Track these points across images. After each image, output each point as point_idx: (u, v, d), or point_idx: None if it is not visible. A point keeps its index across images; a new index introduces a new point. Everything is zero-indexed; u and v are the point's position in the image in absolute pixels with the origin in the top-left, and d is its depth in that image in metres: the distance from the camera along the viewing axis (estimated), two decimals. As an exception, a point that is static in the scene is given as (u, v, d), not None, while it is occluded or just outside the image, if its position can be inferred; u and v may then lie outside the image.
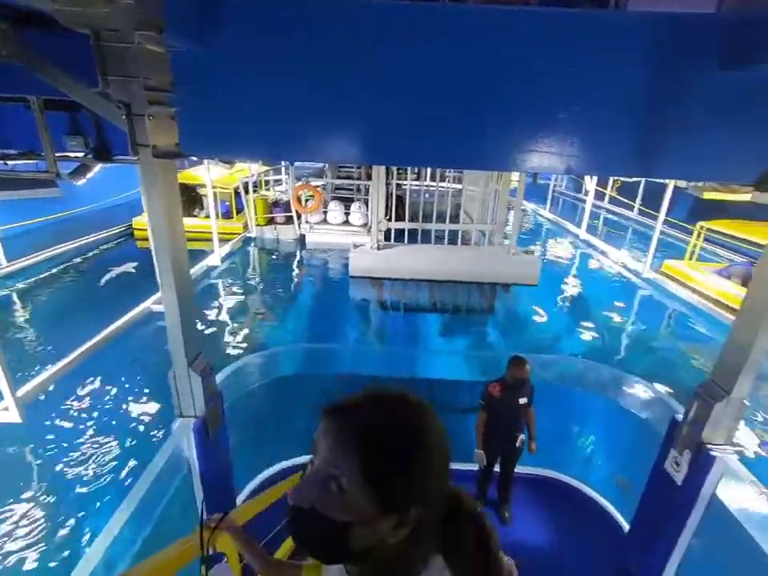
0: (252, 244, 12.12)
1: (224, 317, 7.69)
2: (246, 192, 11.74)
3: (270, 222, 12.68)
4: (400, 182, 10.00)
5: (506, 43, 2.81)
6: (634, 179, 18.32)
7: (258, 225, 12.28)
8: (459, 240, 10.12)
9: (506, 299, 8.53)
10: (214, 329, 7.22)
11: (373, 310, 8.68)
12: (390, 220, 8.76)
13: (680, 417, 2.67)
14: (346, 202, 12.05)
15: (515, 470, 3.48)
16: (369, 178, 12.30)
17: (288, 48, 1.70)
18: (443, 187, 10.20)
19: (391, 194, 9.89)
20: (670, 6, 3.46)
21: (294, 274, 10.51)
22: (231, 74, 1.71)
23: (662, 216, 10.01)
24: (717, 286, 8.51)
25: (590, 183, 15.12)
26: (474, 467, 3.72)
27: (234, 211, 12.47)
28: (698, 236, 9.63)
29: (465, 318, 8.39)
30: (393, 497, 0.57)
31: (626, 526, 3.32)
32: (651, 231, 15.25)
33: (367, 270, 8.36)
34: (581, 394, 4.11)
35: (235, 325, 7.40)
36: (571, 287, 10.32)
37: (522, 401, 3.19)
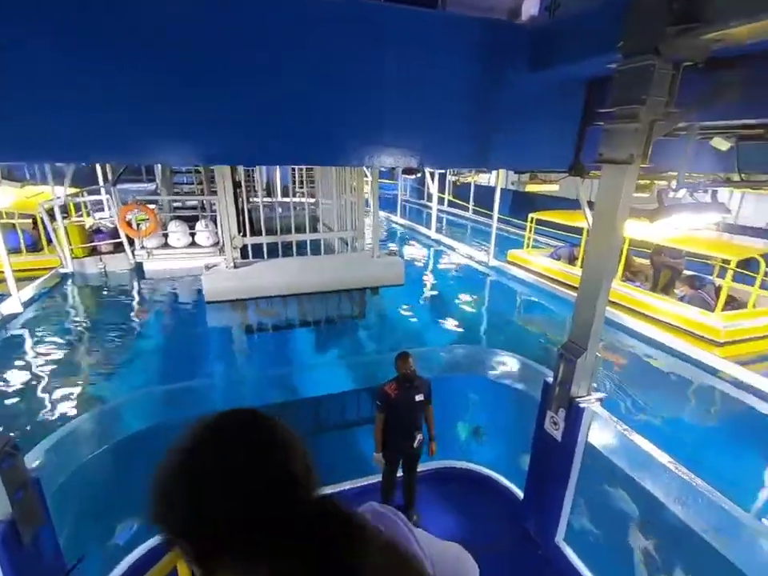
0: (70, 281, 9.88)
1: (37, 379, 5.95)
2: (53, 218, 9.53)
3: (93, 252, 10.56)
4: (249, 196, 9.41)
5: (340, 36, 2.77)
6: (465, 182, 21.31)
7: (75, 257, 10.08)
8: (322, 250, 10.04)
9: (376, 302, 8.74)
10: (18, 399, 5.52)
11: (238, 336, 7.90)
12: (244, 236, 8.12)
13: (550, 380, 2.97)
14: (190, 222, 10.81)
15: (418, 470, 3.45)
16: (212, 192, 11.36)
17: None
18: (297, 201, 9.96)
19: (242, 209, 9.20)
20: (485, 12, 3.85)
21: (131, 310, 8.83)
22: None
23: (495, 213, 11.75)
24: (550, 266, 10.51)
25: (433, 188, 16.87)
26: (377, 479, 3.59)
27: (44, 242, 10.00)
28: (531, 225, 11.53)
29: (338, 326, 8.28)
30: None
31: (518, 493, 3.58)
32: (485, 227, 18.15)
33: (225, 292, 7.57)
34: (466, 379, 4.33)
35: (55, 386, 5.80)
36: (433, 281, 11.23)
37: (419, 398, 3.18)
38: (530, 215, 11.34)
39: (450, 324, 8.39)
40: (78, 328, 7.72)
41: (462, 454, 4.27)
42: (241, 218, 8.56)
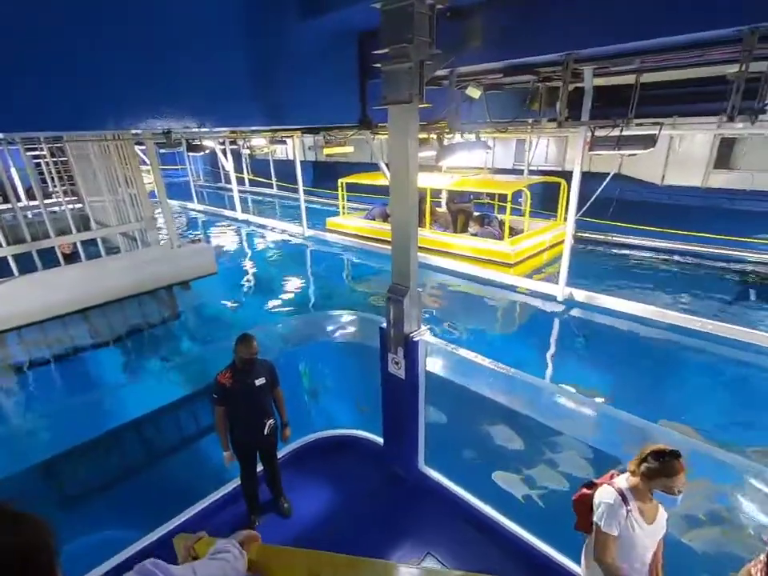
0: None
1: None
2: None
3: None
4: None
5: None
6: (262, 154, 20.64)
7: None
8: (103, 253, 8.28)
9: (190, 298, 7.79)
10: None
11: (4, 381, 5.97)
12: (-30, 250, 5.99)
13: (384, 325, 3.17)
14: None
15: (278, 455, 3.30)
16: None
17: None
18: (52, 203, 7.83)
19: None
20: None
21: None
22: None
23: (300, 185, 11.82)
24: (366, 226, 11.40)
25: (229, 165, 15.72)
26: (236, 484, 3.30)
27: None
28: (342, 192, 12.00)
29: (148, 335, 7.11)
30: None
31: (380, 441, 3.82)
32: (292, 202, 18.23)
33: (-43, 331, 5.53)
34: (307, 347, 4.28)
35: None
36: (251, 263, 10.68)
37: (260, 382, 2.96)
38: (340, 180, 11.78)
39: (279, 302, 8.18)
40: None
41: (318, 424, 4.30)
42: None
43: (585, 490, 2.03)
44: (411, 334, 3.00)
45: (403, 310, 2.93)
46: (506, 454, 3.59)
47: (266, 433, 3.02)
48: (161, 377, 5.73)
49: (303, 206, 11.91)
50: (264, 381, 2.99)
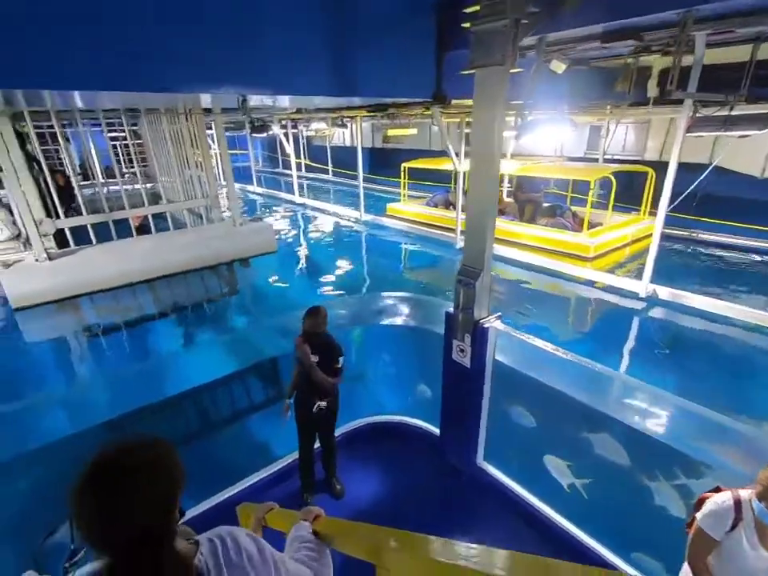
0: None
1: None
2: None
3: None
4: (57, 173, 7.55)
5: None
6: (322, 138, 20.97)
7: None
8: (171, 227, 8.77)
9: (249, 275, 8.04)
10: None
11: (75, 344, 6.46)
12: (57, 218, 6.51)
13: (451, 310, 3.02)
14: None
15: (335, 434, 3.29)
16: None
17: None
18: (126, 181, 8.37)
19: (47, 184, 7.35)
20: None
21: None
22: None
23: (360, 170, 11.88)
24: (428, 213, 11.35)
25: (290, 148, 16.07)
26: (290, 460, 3.33)
27: None
28: (405, 175, 11.96)
29: (208, 308, 7.41)
30: None
31: (436, 430, 3.70)
32: (346, 188, 18.42)
33: (41, 293, 6.03)
34: (360, 329, 4.24)
35: None
36: (308, 244, 10.88)
37: (315, 359, 2.87)
38: (403, 165, 11.70)
39: (332, 284, 8.23)
40: None
41: (368, 408, 4.27)
42: (49, 197, 6.83)
43: (707, 493, 1.83)
44: (481, 321, 2.84)
45: (474, 294, 2.77)
46: (577, 454, 3.36)
47: (314, 411, 2.98)
48: (216, 350, 5.93)
49: (362, 190, 11.94)
50: (317, 360, 2.86)
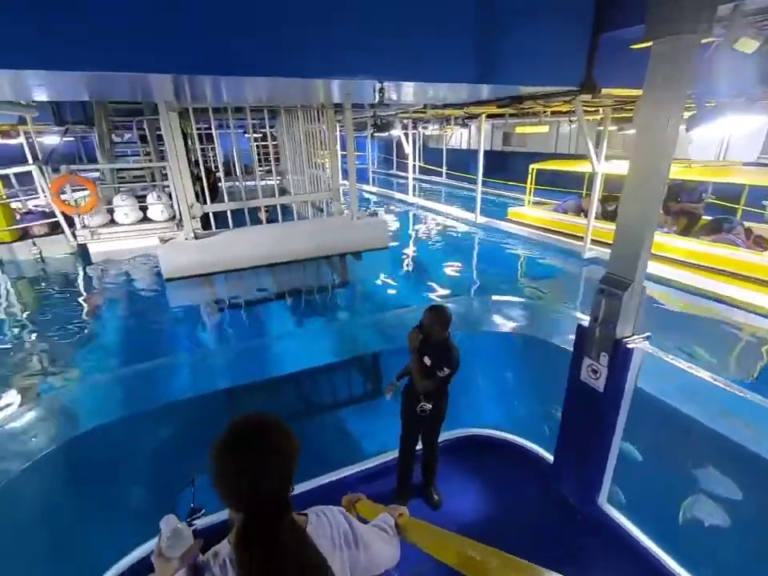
0: (-1, 271, 8.96)
1: None
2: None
3: (25, 235, 9.60)
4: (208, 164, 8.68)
5: None
6: (437, 136, 20.98)
7: (1, 242, 9.13)
8: (295, 218, 9.50)
9: (360, 268, 8.32)
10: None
11: (207, 315, 7.33)
12: (204, 203, 7.45)
13: (585, 323, 2.68)
14: (139, 195, 9.95)
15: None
16: (161, 157, 10.50)
17: None
18: (262, 177, 9.28)
19: (199, 176, 8.47)
20: None
21: (78, 301, 8.02)
22: None
23: (480, 171, 11.56)
24: (556, 219, 10.49)
25: (409, 148, 16.38)
26: (386, 459, 3.30)
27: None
28: (532, 177, 11.26)
29: (319, 297, 7.83)
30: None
31: (547, 456, 3.36)
32: (460, 191, 18.14)
33: (186, 267, 6.95)
34: (469, 334, 4.05)
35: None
36: (420, 244, 10.91)
37: (427, 360, 2.73)
38: (531, 166, 11.04)
39: (440, 286, 8.09)
40: (7, 325, 6.92)
41: (473, 419, 4.04)
42: (198, 184, 7.88)
43: None
44: (625, 339, 2.46)
45: (620, 307, 2.41)
46: (732, 511, 2.76)
47: (417, 410, 2.86)
48: (321, 337, 6.16)
49: (479, 192, 11.61)
50: (429, 362, 2.71)
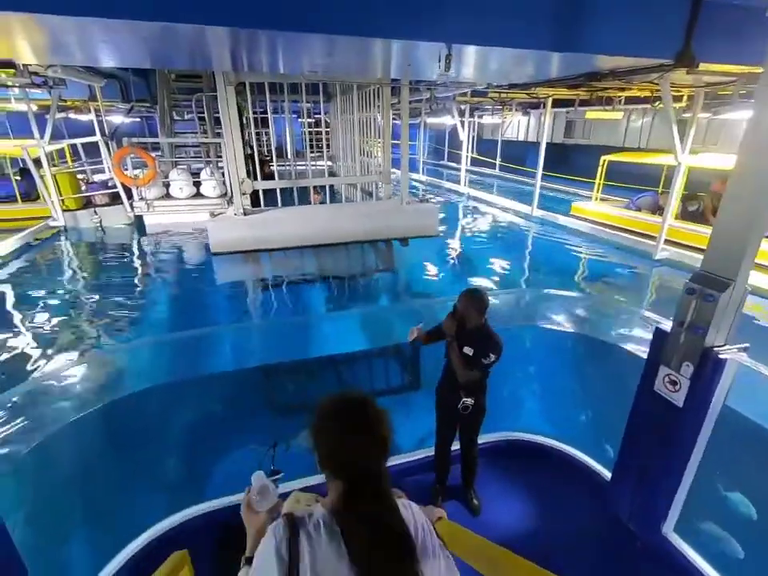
0: (63, 237, 9.53)
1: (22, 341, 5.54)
2: (39, 165, 9.08)
3: (88, 204, 10.17)
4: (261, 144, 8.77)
5: None
6: (491, 138, 20.30)
7: (67, 209, 9.69)
8: (343, 200, 9.42)
9: (407, 254, 8.13)
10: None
11: (251, 292, 7.43)
12: (256, 179, 7.50)
13: (665, 326, 2.36)
14: (194, 171, 10.28)
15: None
16: (217, 131, 10.74)
17: None
18: (314, 164, 9.26)
19: (251, 154, 8.58)
20: None
21: (132, 270, 8.38)
22: None
23: (541, 162, 11.02)
24: (628, 217, 9.71)
25: (464, 134, 15.92)
26: (424, 455, 3.12)
27: (39, 191, 9.64)
28: (603, 169, 10.49)
29: (363, 281, 7.72)
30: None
31: (603, 472, 3.06)
32: (514, 183, 17.48)
33: (233, 242, 7.05)
34: (533, 330, 3.77)
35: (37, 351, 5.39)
36: (466, 235, 10.56)
37: (468, 350, 2.55)
38: (603, 157, 10.32)
39: (488, 279, 7.76)
40: (66, 287, 7.32)
41: (519, 422, 3.79)
42: (250, 160, 7.97)
43: None
44: (716, 349, 2.13)
45: (714, 311, 2.08)
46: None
47: (459, 407, 2.65)
48: (359, 322, 6.03)
49: (538, 185, 11.07)
50: (472, 352, 2.54)
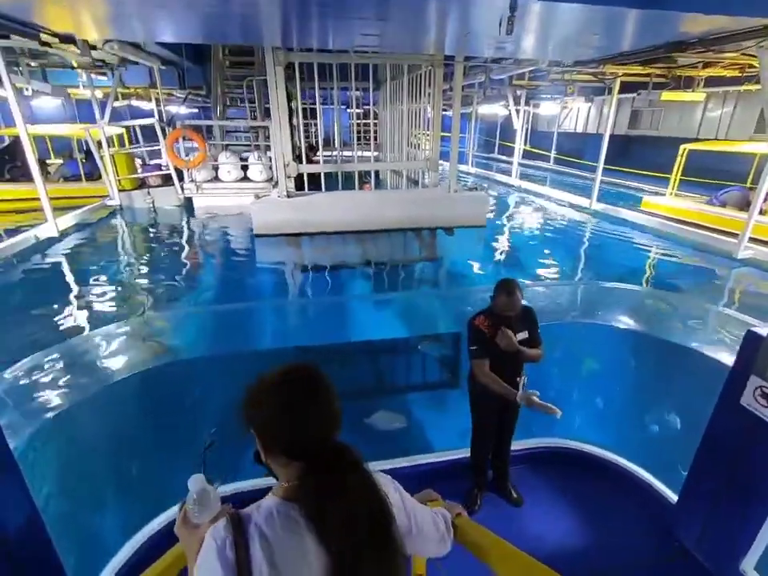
0: (118, 215, 9.99)
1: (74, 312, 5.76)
2: (99, 145, 9.53)
3: (142, 185, 10.61)
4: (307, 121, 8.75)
5: None
6: (547, 130, 19.39)
7: (122, 189, 10.14)
8: (388, 187, 9.24)
9: (452, 245, 7.83)
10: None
11: (291, 275, 7.42)
12: (301, 163, 7.47)
13: (761, 330, 1.99)
14: (242, 155, 10.48)
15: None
16: (266, 117, 10.86)
17: None
18: (360, 155, 9.16)
19: (298, 135, 8.56)
20: None
21: (180, 250, 8.63)
22: None
23: (602, 156, 10.38)
24: (708, 213, 8.89)
25: (518, 123, 15.24)
26: (460, 456, 2.90)
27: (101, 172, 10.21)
28: (682, 158, 9.61)
29: (405, 270, 7.49)
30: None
31: (668, 493, 2.71)
32: (568, 177, 16.57)
33: (276, 224, 7.06)
34: (596, 328, 3.43)
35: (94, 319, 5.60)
36: (516, 228, 10.09)
37: (522, 336, 2.47)
38: (682, 146, 9.43)
39: (536, 276, 7.30)
40: (117, 263, 7.64)
41: (568, 430, 3.45)
42: (296, 141, 7.97)
43: None
44: (831, 357, 1.76)
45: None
46: None
47: (520, 387, 2.48)
48: (399, 311, 5.84)
49: (599, 177, 10.40)
50: (526, 336, 2.50)
